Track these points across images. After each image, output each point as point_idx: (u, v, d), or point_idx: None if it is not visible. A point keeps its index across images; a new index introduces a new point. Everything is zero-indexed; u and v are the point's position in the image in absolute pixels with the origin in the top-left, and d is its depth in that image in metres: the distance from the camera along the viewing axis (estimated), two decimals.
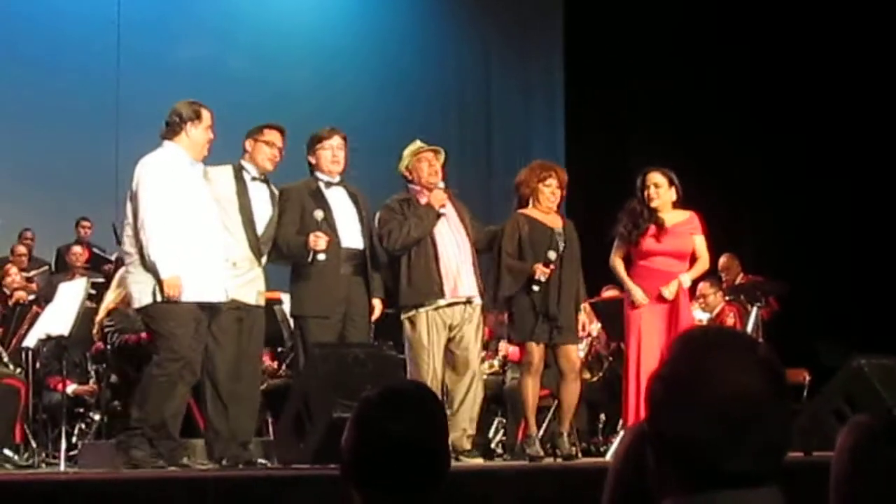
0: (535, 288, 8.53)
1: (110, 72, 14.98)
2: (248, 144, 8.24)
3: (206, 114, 7.76)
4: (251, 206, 8.10)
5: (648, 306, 8.73)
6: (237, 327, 7.94)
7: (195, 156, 7.74)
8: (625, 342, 9.08)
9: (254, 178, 8.19)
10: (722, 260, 12.44)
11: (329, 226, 8.15)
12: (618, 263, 8.86)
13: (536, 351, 8.63)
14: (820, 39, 13.95)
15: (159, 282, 7.36)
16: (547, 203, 8.80)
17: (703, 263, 8.95)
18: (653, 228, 8.79)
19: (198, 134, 7.70)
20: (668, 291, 8.70)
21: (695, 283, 11.18)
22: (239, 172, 8.18)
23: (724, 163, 14.55)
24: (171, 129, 7.71)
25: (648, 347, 8.65)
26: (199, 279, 7.50)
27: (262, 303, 8.15)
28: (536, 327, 8.59)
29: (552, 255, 8.55)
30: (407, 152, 8.72)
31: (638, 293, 8.68)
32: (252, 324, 8.04)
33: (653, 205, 8.82)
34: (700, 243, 8.93)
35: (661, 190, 8.84)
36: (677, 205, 8.93)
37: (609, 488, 2.41)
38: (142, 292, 7.48)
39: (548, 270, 8.51)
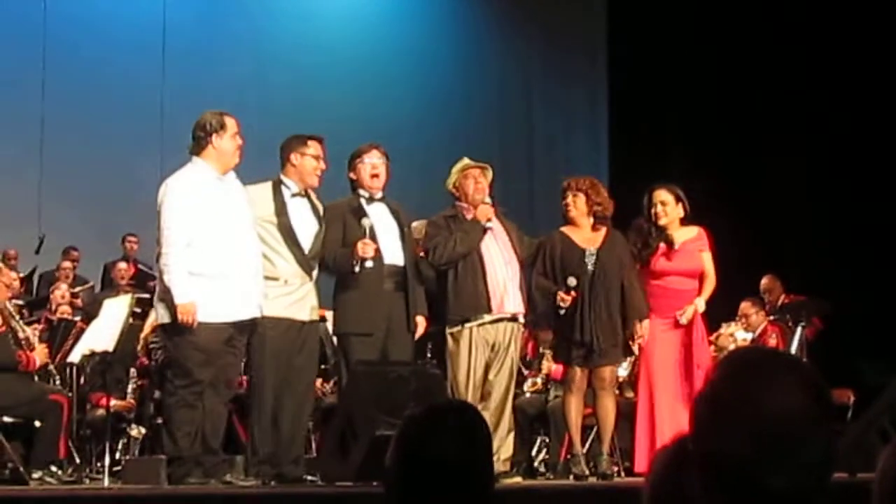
0: (561, 312, 8.49)
1: (155, 90, 15.10)
2: (295, 158, 8.13)
3: (230, 121, 7.72)
4: (291, 224, 8.03)
5: (663, 329, 8.69)
6: (289, 344, 7.92)
7: (225, 165, 7.69)
8: (638, 364, 9.05)
9: (294, 195, 8.13)
10: (764, 281, 12.36)
11: (372, 240, 8.12)
12: None
13: (578, 370, 8.60)
14: (871, 59, 13.87)
15: (174, 307, 7.35)
16: (573, 220, 8.73)
17: (711, 282, 8.81)
18: (663, 247, 8.74)
19: (225, 143, 7.66)
20: (685, 317, 8.66)
21: (737, 301, 11.18)
22: (278, 189, 8.11)
23: (769, 181, 14.50)
24: (198, 144, 7.67)
25: (662, 370, 8.63)
26: (229, 297, 7.49)
27: (315, 318, 8.13)
28: (571, 352, 8.57)
29: (572, 281, 8.40)
30: (455, 169, 8.65)
31: (646, 328, 8.62)
32: (305, 339, 8.02)
33: (661, 223, 8.76)
34: (707, 260, 8.84)
35: (667, 208, 8.79)
36: (685, 221, 8.87)
37: None
38: (164, 311, 7.49)
39: (568, 298, 8.41)
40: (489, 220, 8.46)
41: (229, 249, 7.54)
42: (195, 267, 7.40)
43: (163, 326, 7.62)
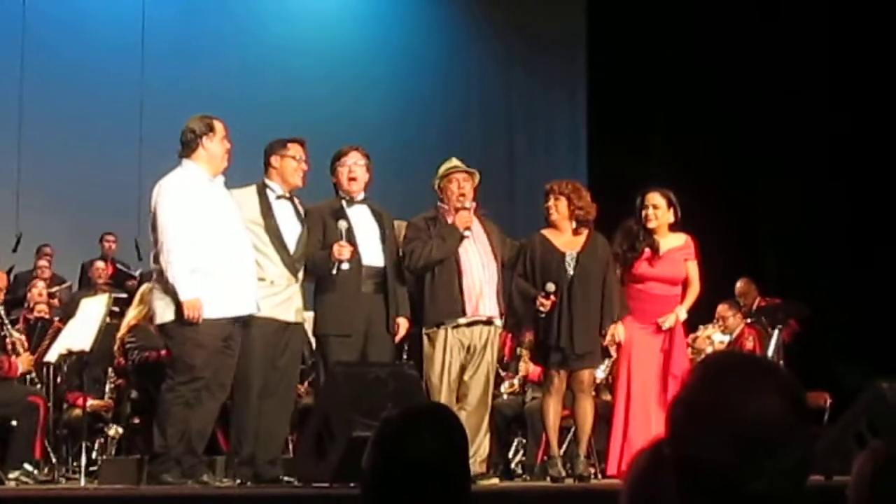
0: (541, 316, 8.49)
1: (134, 90, 15.04)
2: (275, 161, 8.18)
3: (218, 125, 7.77)
4: (278, 226, 8.06)
5: (642, 334, 8.68)
6: (274, 344, 7.92)
7: (215, 168, 7.73)
8: (615, 367, 9.03)
9: (279, 197, 8.15)
10: (739, 285, 12.36)
11: (350, 243, 8.12)
12: None
13: (556, 373, 8.58)
14: (867, 60, 13.87)
15: (179, 303, 7.37)
16: (554, 224, 8.73)
17: (695, 291, 8.81)
18: (647, 252, 8.72)
19: (214, 146, 7.70)
20: (667, 324, 8.66)
21: (716, 304, 11.19)
22: (263, 192, 8.14)
23: (751, 184, 14.50)
24: (188, 147, 7.71)
25: (639, 375, 8.62)
26: (228, 293, 7.51)
27: (300, 320, 8.15)
28: (549, 355, 8.56)
29: (550, 287, 8.37)
30: (441, 169, 8.62)
31: (620, 331, 8.62)
32: (289, 341, 8.03)
33: (650, 226, 8.74)
34: (693, 269, 8.82)
35: (659, 211, 8.76)
36: (675, 227, 8.86)
37: None
38: (164, 309, 7.49)
39: (547, 303, 8.38)
40: (468, 227, 8.43)
41: (225, 247, 7.57)
42: (194, 264, 7.42)
43: (162, 326, 7.60)
